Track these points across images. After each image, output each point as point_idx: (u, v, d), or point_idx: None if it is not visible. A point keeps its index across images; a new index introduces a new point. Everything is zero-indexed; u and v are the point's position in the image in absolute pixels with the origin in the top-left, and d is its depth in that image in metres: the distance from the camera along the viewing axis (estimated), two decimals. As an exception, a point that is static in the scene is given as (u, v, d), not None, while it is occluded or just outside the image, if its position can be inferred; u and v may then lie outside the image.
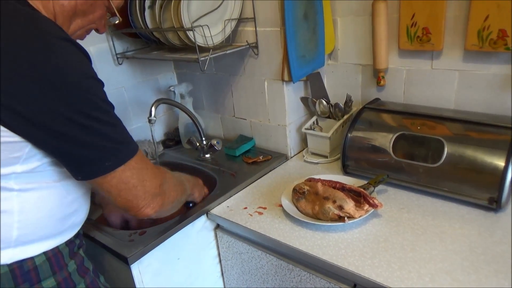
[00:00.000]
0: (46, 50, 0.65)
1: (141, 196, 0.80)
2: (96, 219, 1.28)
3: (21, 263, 0.73)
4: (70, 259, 0.82)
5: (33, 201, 0.73)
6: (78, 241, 0.86)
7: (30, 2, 0.72)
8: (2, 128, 0.65)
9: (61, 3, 0.76)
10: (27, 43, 0.65)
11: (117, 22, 0.91)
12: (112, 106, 0.75)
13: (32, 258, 0.74)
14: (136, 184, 0.79)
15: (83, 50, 0.72)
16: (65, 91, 0.66)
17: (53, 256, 0.78)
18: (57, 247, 0.79)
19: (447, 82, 1.22)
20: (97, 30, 0.89)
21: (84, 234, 1.09)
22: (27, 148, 0.69)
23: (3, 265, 0.72)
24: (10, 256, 0.72)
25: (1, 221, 0.70)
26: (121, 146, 0.76)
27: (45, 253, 0.76)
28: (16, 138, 0.67)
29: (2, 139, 0.66)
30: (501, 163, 0.97)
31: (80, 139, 0.69)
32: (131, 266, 1.00)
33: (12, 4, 0.68)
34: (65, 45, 0.68)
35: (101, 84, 0.74)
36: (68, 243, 0.82)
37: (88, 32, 0.88)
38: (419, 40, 1.20)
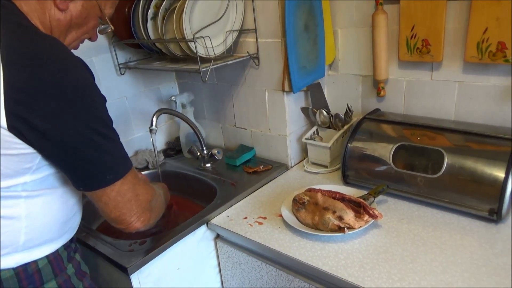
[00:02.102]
0: (65, 71, 0.70)
1: (134, 209, 0.83)
2: (96, 228, 1.28)
3: (25, 266, 0.76)
4: (68, 262, 0.85)
5: (39, 206, 0.76)
6: (74, 246, 0.90)
7: (30, 19, 0.75)
8: (18, 140, 0.68)
9: (57, 18, 0.78)
10: (49, 64, 0.69)
11: (109, 30, 0.94)
12: (112, 122, 0.79)
13: (35, 261, 0.78)
14: (131, 197, 0.82)
15: (88, 68, 0.76)
16: (80, 108, 0.71)
17: (54, 259, 0.81)
18: (57, 251, 0.82)
19: (447, 93, 1.23)
20: (90, 39, 0.91)
21: (83, 243, 1.09)
22: (37, 159, 0.72)
23: (9, 269, 0.75)
24: (17, 260, 0.76)
25: (10, 227, 0.73)
26: (120, 160, 0.80)
27: (47, 256, 0.80)
28: (29, 150, 0.70)
29: (18, 151, 0.69)
30: (501, 174, 0.97)
31: (88, 153, 0.74)
32: (131, 276, 0.99)
33: (29, 27, 0.73)
34: (78, 65, 0.73)
35: (105, 100, 0.78)
36: (66, 247, 0.85)
37: (82, 41, 0.90)
38: (419, 52, 1.21)
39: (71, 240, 0.88)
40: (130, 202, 0.82)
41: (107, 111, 0.77)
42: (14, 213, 0.73)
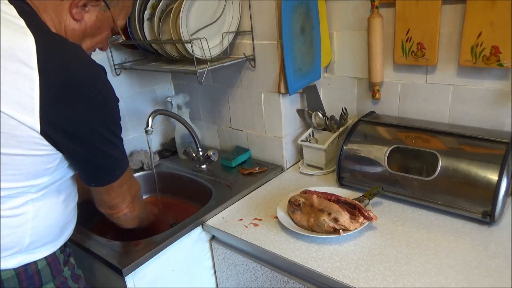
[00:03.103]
0: (91, 78, 0.74)
1: (127, 197, 0.93)
2: (89, 228, 1.27)
3: (25, 267, 0.78)
4: (64, 265, 0.87)
5: (45, 209, 0.79)
6: (68, 250, 0.92)
7: (49, 27, 0.77)
8: (46, 142, 0.71)
9: (72, 28, 0.80)
10: (78, 71, 0.73)
11: (120, 41, 0.98)
12: (121, 119, 0.84)
13: (35, 263, 0.80)
14: (127, 188, 0.92)
15: (106, 73, 0.80)
16: (103, 112, 0.77)
17: (52, 261, 0.83)
18: (54, 253, 0.84)
19: (441, 96, 1.24)
20: (101, 49, 0.94)
21: (78, 245, 1.09)
22: (57, 160, 0.76)
23: (10, 270, 0.76)
24: (19, 260, 0.77)
25: (18, 228, 0.75)
26: (124, 156, 0.88)
27: (45, 258, 0.82)
28: (53, 151, 0.74)
29: (44, 152, 0.73)
30: (494, 177, 0.98)
31: (106, 152, 0.81)
32: (126, 277, 0.99)
33: (56, 35, 0.75)
34: (101, 72, 0.77)
35: (118, 101, 0.82)
36: (62, 250, 0.87)
37: (94, 50, 0.93)
38: (414, 55, 1.22)
39: (65, 245, 0.90)
40: (125, 192, 0.92)
41: (119, 111, 0.82)
42: (23, 216, 0.75)
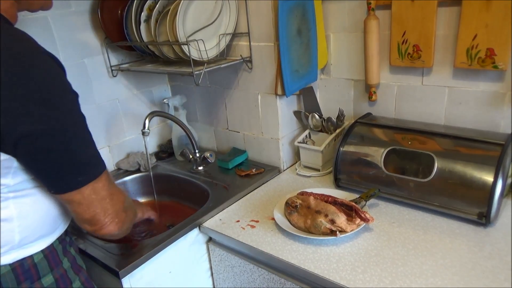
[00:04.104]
0: (30, 67, 0.67)
1: (108, 209, 0.80)
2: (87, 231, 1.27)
3: (21, 261, 0.77)
4: (64, 256, 0.86)
5: (29, 205, 0.76)
6: (68, 239, 0.90)
7: None
8: None
9: None
10: (16, 60, 0.66)
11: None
12: (84, 119, 0.75)
13: (31, 256, 0.78)
14: (106, 196, 0.79)
15: (59, 62, 0.73)
16: (46, 106, 0.67)
17: (49, 254, 0.82)
18: (52, 245, 0.82)
19: (437, 98, 1.24)
20: (43, 8, 0.88)
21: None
22: (14, 163, 0.70)
23: (5, 265, 0.76)
24: (13, 256, 0.76)
25: (3, 228, 0.74)
26: (92, 161, 0.77)
27: (42, 251, 0.80)
28: (4, 156, 0.68)
29: None
30: (490, 178, 0.99)
31: (56, 154, 0.70)
32: (122, 279, 0.99)
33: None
34: (45, 59, 0.70)
35: (76, 96, 0.74)
36: (61, 240, 0.86)
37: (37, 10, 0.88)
38: (410, 57, 1.22)
39: (66, 233, 0.88)
40: (104, 200, 0.79)
41: (77, 108, 0.74)
42: (5, 215, 0.73)
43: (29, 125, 0.66)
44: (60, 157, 0.71)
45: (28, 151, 0.68)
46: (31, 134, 0.67)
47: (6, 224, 0.74)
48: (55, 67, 0.71)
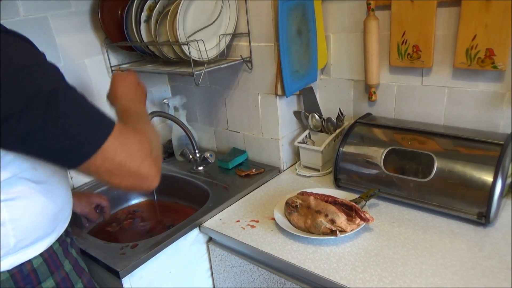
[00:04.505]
0: None
1: (133, 171, 0.72)
2: (88, 232, 1.27)
3: (20, 267, 0.75)
4: (65, 258, 0.84)
5: (21, 207, 0.74)
6: (69, 240, 0.88)
7: None
8: None
9: None
10: None
11: None
12: (71, 89, 0.69)
13: (30, 261, 0.77)
14: (123, 160, 0.70)
15: (21, 36, 0.68)
16: (12, 85, 0.61)
17: (49, 257, 0.80)
18: (51, 248, 0.81)
19: (436, 98, 1.25)
20: None
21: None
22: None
23: (4, 272, 0.74)
24: (11, 262, 0.74)
25: None
26: (93, 126, 0.69)
27: (41, 254, 0.78)
28: None
29: None
30: (489, 178, 0.99)
31: (47, 131, 0.64)
32: (123, 279, 0.99)
33: None
34: (14, 41, 0.65)
35: (56, 68, 0.68)
36: (61, 242, 0.84)
37: None
38: (410, 57, 1.23)
39: (66, 234, 0.86)
40: (124, 166, 0.71)
41: (60, 77, 0.68)
42: None
43: (7, 108, 0.60)
44: (49, 134, 0.64)
45: (11, 134, 0.63)
46: (10, 116, 0.61)
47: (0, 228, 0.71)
48: (15, 41, 0.66)
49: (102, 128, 0.70)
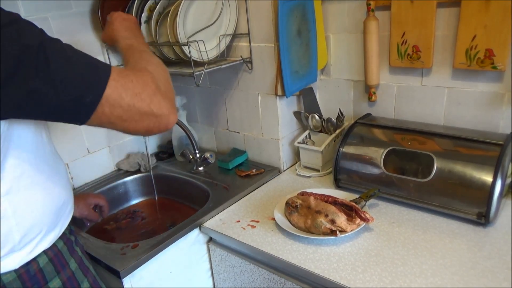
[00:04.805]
0: None
1: (145, 111, 0.69)
2: (87, 231, 1.27)
3: (27, 267, 0.75)
4: (70, 256, 0.84)
5: (24, 201, 0.73)
6: (74, 238, 0.88)
7: None
8: None
9: None
10: None
11: None
12: (56, 41, 0.66)
13: (36, 261, 0.77)
14: (130, 101, 0.67)
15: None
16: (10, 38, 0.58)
17: (54, 256, 0.80)
18: (56, 247, 0.81)
19: (436, 98, 1.25)
20: None
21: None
22: None
23: (11, 272, 0.74)
24: (18, 260, 0.74)
25: (1, 227, 0.71)
26: (89, 74, 0.65)
27: (47, 254, 0.78)
28: None
29: None
30: (489, 178, 0.99)
31: (44, 90, 0.61)
32: (123, 279, 0.99)
33: None
34: None
35: (30, 23, 0.64)
36: (66, 240, 0.84)
37: None
38: (409, 58, 1.23)
39: (70, 232, 0.86)
40: (133, 107, 0.67)
41: (40, 32, 0.64)
42: (1, 214, 0.71)
43: None
44: (48, 92, 0.61)
45: (8, 101, 0.60)
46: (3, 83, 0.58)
47: (3, 222, 0.71)
48: None
49: (99, 74, 0.66)
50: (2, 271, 0.73)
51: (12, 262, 0.74)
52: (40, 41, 0.62)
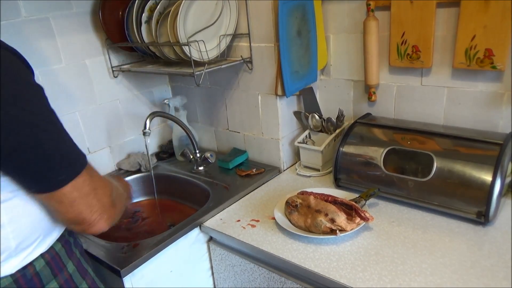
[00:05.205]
0: None
1: (94, 205, 0.74)
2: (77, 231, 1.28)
3: (23, 271, 0.75)
4: (68, 259, 0.83)
5: (19, 208, 0.72)
6: (72, 239, 0.87)
7: None
8: None
9: None
10: None
11: None
12: (53, 114, 0.70)
13: (33, 265, 0.76)
14: (89, 192, 0.73)
15: (21, 57, 0.69)
16: (9, 103, 0.62)
17: (51, 260, 0.79)
18: (54, 249, 0.80)
19: (436, 98, 1.25)
20: None
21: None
22: None
23: (7, 277, 0.73)
24: (14, 264, 0.74)
25: None
26: (71, 156, 0.71)
27: (44, 257, 0.78)
28: None
29: None
30: (488, 177, 0.99)
31: (28, 154, 0.65)
32: (124, 278, 0.99)
33: None
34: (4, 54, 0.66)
35: (40, 89, 0.69)
36: (64, 242, 0.83)
37: None
38: (409, 58, 1.23)
39: (69, 233, 0.86)
40: (88, 196, 0.73)
41: (43, 102, 0.68)
42: None
43: None
44: (33, 157, 0.65)
45: None
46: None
47: None
48: (15, 61, 0.66)
49: (79, 160, 0.72)
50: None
51: (9, 267, 0.73)
52: (47, 113, 0.68)
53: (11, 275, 0.73)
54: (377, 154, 1.17)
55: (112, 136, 1.54)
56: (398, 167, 1.17)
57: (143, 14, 1.29)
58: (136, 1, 1.31)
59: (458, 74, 1.19)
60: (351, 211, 1.05)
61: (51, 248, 0.80)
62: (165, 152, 1.69)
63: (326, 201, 1.09)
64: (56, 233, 0.81)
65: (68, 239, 0.85)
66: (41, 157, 0.66)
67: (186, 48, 1.20)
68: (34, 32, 1.26)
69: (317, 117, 1.42)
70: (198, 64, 1.25)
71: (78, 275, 0.84)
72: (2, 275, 0.73)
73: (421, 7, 1.15)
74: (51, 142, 0.67)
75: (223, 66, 1.30)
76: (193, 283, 1.21)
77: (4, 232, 0.71)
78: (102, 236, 1.16)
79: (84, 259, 0.89)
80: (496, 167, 0.99)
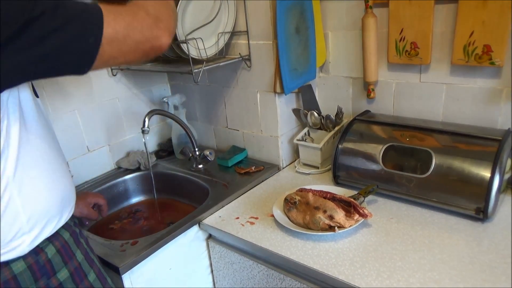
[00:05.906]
0: None
1: (143, 33, 0.71)
2: (89, 230, 1.28)
3: (36, 258, 0.77)
4: (76, 248, 0.85)
5: (28, 183, 0.74)
6: (78, 230, 0.89)
7: None
8: None
9: None
10: None
11: None
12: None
13: (45, 252, 0.78)
14: (127, 31, 0.69)
15: None
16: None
17: (62, 248, 0.81)
18: (63, 238, 0.82)
19: (435, 95, 1.25)
20: None
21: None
22: (3, 123, 0.68)
23: (21, 262, 0.75)
24: (27, 243, 0.75)
25: (8, 208, 0.72)
26: (85, 17, 0.66)
27: (54, 245, 0.80)
28: None
29: None
30: (487, 174, 0.99)
31: (46, 41, 0.62)
32: (123, 276, 1.00)
33: None
34: None
35: None
36: (71, 232, 0.85)
37: None
38: (408, 54, 1.23)
39: (75, 224, 0.88)
40: (128, 37, 0.69)
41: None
42: (7, 195, 0.72)
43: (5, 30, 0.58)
44: (49, 42, 0.62)
45: (13, 56, 0.60)
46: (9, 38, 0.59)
47: (10, 203, 0.72)
48: None
49: (94, 12, 0.67)
50: (13, 256, 0.74)
51: (21, 247, 0.74)
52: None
53: (25, 261, 0.75)
54: (376, 151, 1.17)
55: (111, 135, 1.54)
56: (397, 164, 1.17)
57: (141, 12, 1.29)
58: (134, -1, 1.30)
59: (457, 70, 1.18)
60: (349, 208, 1.05)
61: (61, 236, 0.82)
62: (164, 150, 1.69)
63: (325, 198, 1.09)
64: (63, 219, 0.82)
65: (74, 229, 0.87)
66: (59, 37, 0.63)
67: (184, 46, 1.20)
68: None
69: (316, 114, 1.42)
70: (197, 62, 1.25)
71: (86, 264, 0.86)
72: (16, 255, 0.74)
73: (419, 4, 1.15)
74: (55, 20, 0.62)
75: (221, 64, 1.30)
76: (192, 281, 1.21)
77: (14, 205, 0.73)
78: (101, 234, 1.17)
79: (90, 250, 0.91)
80: (495, 163, 0.99)
